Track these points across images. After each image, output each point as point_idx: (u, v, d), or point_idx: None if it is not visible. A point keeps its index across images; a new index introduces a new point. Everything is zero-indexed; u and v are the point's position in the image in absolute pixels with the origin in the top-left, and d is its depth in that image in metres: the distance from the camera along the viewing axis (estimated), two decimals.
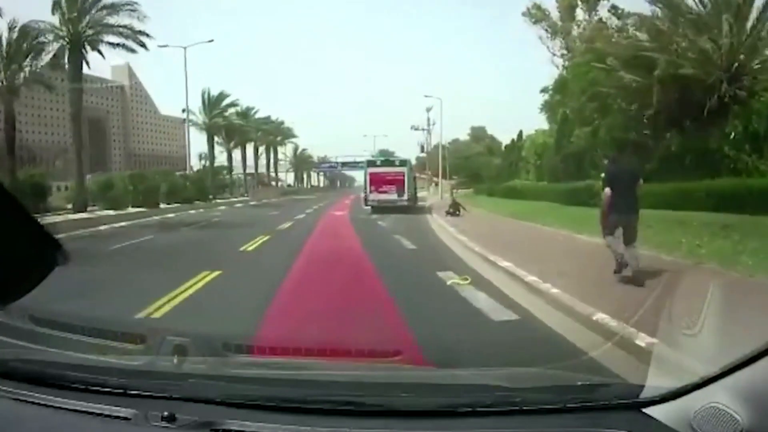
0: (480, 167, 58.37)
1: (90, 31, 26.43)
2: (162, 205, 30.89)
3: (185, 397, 1.57)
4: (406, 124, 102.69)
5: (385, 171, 27.00)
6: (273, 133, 63.02)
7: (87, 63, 26.91)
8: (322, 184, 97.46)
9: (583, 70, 26.25)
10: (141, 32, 27.21)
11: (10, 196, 1.02)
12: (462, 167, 63.37)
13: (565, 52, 36.16)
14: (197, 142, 68.87)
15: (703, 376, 1.36)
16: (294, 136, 69.96)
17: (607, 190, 6.76)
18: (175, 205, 31.92)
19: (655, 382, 1.52)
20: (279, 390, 1.68)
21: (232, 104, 50.54)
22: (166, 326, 4.92)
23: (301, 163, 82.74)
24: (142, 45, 27.55)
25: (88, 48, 26.46)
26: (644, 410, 1.43)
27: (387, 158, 31.41)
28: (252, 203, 41.07)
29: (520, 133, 46.33)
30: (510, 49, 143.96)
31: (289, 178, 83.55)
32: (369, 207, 26.54)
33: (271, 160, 66.98)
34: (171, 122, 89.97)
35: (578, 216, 13.58)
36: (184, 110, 42.41)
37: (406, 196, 26.27)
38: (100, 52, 27.02)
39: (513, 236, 12.54)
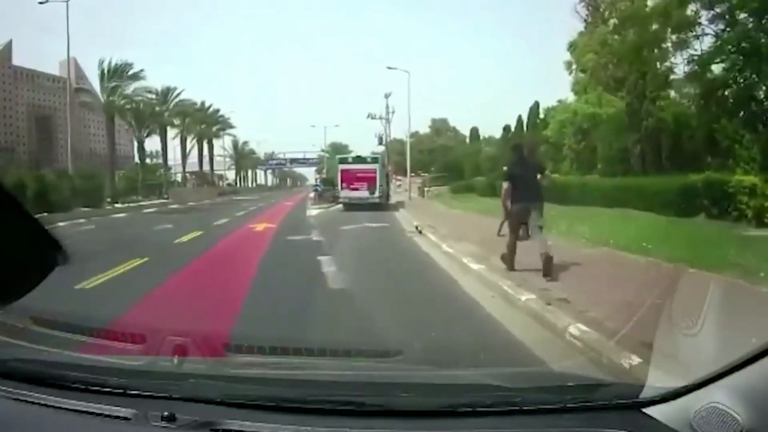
0: (462, 159, 45.26)
1: None
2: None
3: (185, 397, 1.57)
4: (362, 113, 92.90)
5: (357, 168, 26.80)
6: (205, 122, 52.32)
7: None
8: (270, 183, 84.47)
9: None
10: None
11: (10, 196, 1.02)
12: (431, 161, 52.44)
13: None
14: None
15: (703, 376, 1.35)
16: (231, 126, 59.20)
17: (506, 183, 7.30)
18: (43, 214, 21.66)
19: (655, 382, 1.52)
20: (279, 390, 1.68)
21: (135, 76, 37.84)
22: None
23: (243, 158, 70.65)
24: None
25: None
26: (644, 410, 1.43)
27: (359, 155, 30.38)
28: (173, 206, 32.43)
29: (536, 106, 33.19)
30: (479, 30, 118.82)
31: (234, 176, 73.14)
32: (336, 206, 26.11)
33: (206, 155, 56.48)
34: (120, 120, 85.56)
35: None
36: (78, 89, 35.87)
37: (377, 194, 26.12)
38: None
39: None
